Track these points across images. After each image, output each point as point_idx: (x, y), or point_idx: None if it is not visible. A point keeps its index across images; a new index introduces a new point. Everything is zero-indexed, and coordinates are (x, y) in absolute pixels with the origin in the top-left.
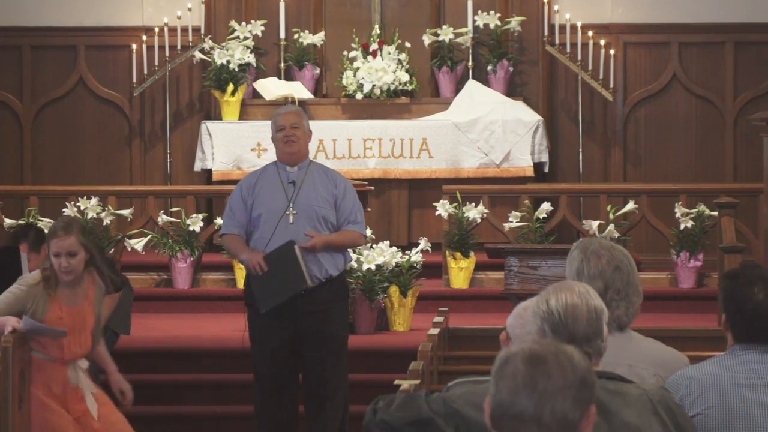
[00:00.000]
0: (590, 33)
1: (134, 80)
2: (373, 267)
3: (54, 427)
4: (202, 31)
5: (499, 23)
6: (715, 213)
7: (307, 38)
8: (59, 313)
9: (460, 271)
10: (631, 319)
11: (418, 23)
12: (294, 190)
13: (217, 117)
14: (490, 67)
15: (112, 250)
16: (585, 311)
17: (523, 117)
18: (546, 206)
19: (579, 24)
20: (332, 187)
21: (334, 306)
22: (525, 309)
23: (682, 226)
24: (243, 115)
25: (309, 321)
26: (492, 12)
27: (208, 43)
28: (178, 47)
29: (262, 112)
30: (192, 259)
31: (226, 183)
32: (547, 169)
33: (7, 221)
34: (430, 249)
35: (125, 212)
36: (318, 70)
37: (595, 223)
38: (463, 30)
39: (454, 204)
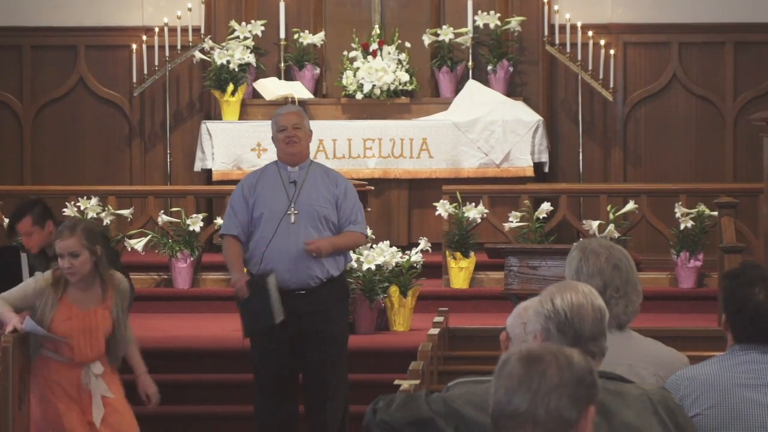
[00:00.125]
0: (590, 33)
1: (134, 80)
2: (373, 267)
3: (54, 422)
4: (202, 31)
5: (499, 23)
6: (715, 213)
7: (307, 38)
8: (68, 315)
9: (460, 271)
10: (631, 318)
11: (418, 23)
12: (295, 190)
13: (217, 117)
14: (490, 67)
15: None
16: (591, 310)
17: (523, 117)
18: (546, 206)
19: (579, 24)
20: (333, 187)
21: (334, 306)
22: (525, 309)
23: (682, 226)
24: (243, 115)
25: (309, 321)
26: (492, 12)
27: (208, 43)
28: (178, 47)
29: (262, 112)
30: (192, 259)
31: (226, 183)
32: (547, 169)
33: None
34: (430, 249)
35: (125, 212)
36: (318, 70)
37: (595, 223)
38: (463, 30)
39: (454, 204)
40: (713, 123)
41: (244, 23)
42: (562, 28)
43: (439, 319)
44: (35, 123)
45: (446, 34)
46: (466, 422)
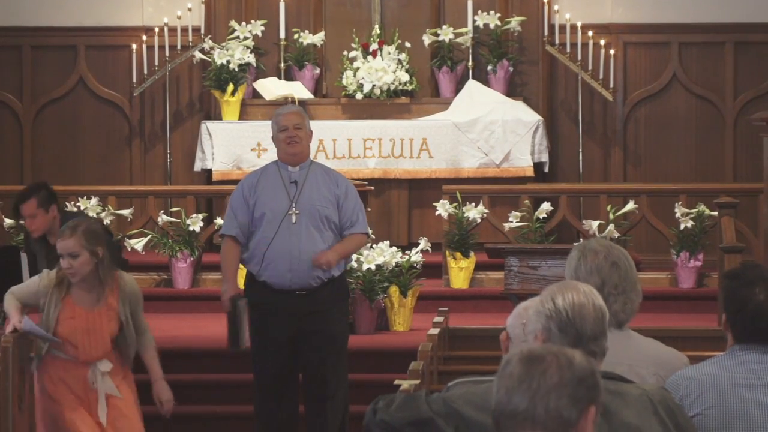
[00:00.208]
0: (590, 33)
1: (134, 80)
2: (373, 267)
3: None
4: (202, 31)
5: (499, 23)
6: (715, 213)
7: (307, 38)
8: (71, 314)
9: (460, 271)
10: (629, 317)
11: (418, 23)
12: (296, 190)
13: (217, 117)
14: (490, 67)
15: None
16: (592, 310)
17: (523, 117)
18: (546, 206)
19: (579, 24)
20: (334, 186)
21: (334, 306)
22: (525, 309)
23: (682, 226)
24: (243, 115)
25: (310, 321)
26: (492, 12)
27: (208, 43)
28: (178, 47)
29: (262, 112)
30: (192, 259)
31: (226, 183)
32: (547, 169)
33: (7, 221)
34: (430, 249)
35: (125, 212)
36: (318, 70)
37: (595, 223)
38: (463, 30)
39: (454, 204)
40: (713, 123)
41: (244, 23)
42: (562, 28)
43: (439, 319)
44: (35, 123)
45: (446, 34)
46: (466, 422)
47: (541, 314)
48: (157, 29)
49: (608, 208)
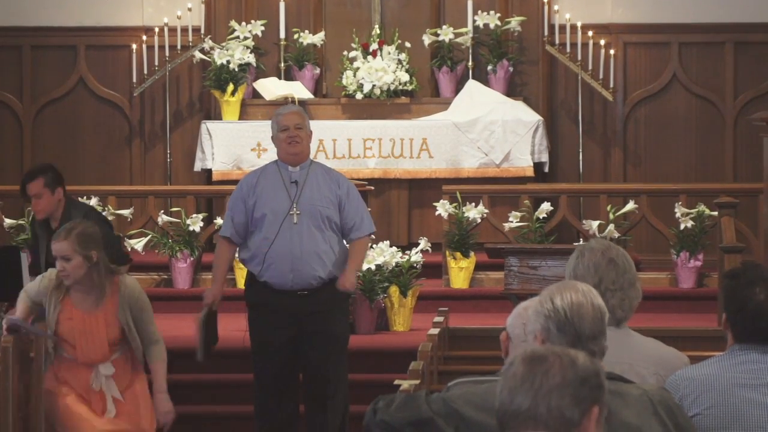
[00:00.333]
0: (590, 33)
1: (134, 80)
2: (373, 267)
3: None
4: (202, 31)
5: (499, 23)
6: (715, 213)
7: (307, 38)
8: (69, 315)
9: (460, 271)
10: (628, 315)
11: (418, 23)
12: (297, 190)
13: (217, 117)
14: (490, 67)
15: None
16: (590, 310)
17: (523, 117)
18: (546, 206)
19: (579, 24)
20: (335, 187)
21: (335, 306)
22: (525, 309)
23: (682, 226)
24: (243, 115)
25: (311, 321)
26: (492, 12)
27: (208, 43)
28: (178, 47)
29: (262, 112)
30: (192, 259)
31: (226, 183)
32: (547, 169)
33: (7, 221)
34: (430, 249)
35: (125, 212)
36: (318, 70)
37: (595, 223)
38: (463, 30)
39: (454, 204)
40: (713, 123)
41: (244, 23)
42: (562, 28)
43: (439, 319)
44: (35, 123)
45: (446, 34)
46: (466, 422)
47: (540, 314)
48: (157, 29)
49: (608, 208)
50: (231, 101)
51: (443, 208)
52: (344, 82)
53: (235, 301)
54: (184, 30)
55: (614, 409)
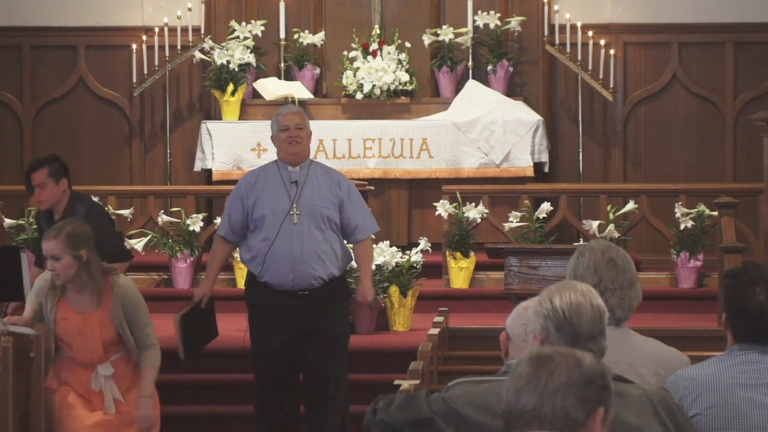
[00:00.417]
0: (590, 33)
1: (134, 80)
2: (373, 267)
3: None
4: (202, 31)
5: (499, 23)
6: (715, 213)
7: (307, 38)
8: (64, 315)
9: (460, 271)
10: (627, 314)
11: (418, 23)
12: (297, 190)
13: (217, 117)
14: (490, 67)
15: None
16: (589, 309)
17: (523, 117)
18: (546, 206)
19: (579, 24)
20: (336, 188)
21: (335, 306)
22: (525, 309)
23: (682, 226)
24: (243, 115)
25: (311, 321)
26: (492, 12)
27: (208, 43)
28: (178, 47)
29: (262, 112)
30: (192, 259)
31: (226, 183)
32: (547, 169)
33: (7, 221)
34: (430, 249)
35: (125, 212)
36: (318, 70)
37: (595, 223)
38: (463, 30)
39: (454, 204)
40: (713, 123)
41: (244, 23)
42: (562, 28)
43: (439, 319)
44: (35, 123)
45: (446, 34)
46: (466, 422)
47: (539, 314)
48: (157, 29)
49: (608, 208)
50: (231, 101)
51: (443, 208)
52: (344, 82)
53: (235, 301)
54: (184, 30)
55: (614, 409)
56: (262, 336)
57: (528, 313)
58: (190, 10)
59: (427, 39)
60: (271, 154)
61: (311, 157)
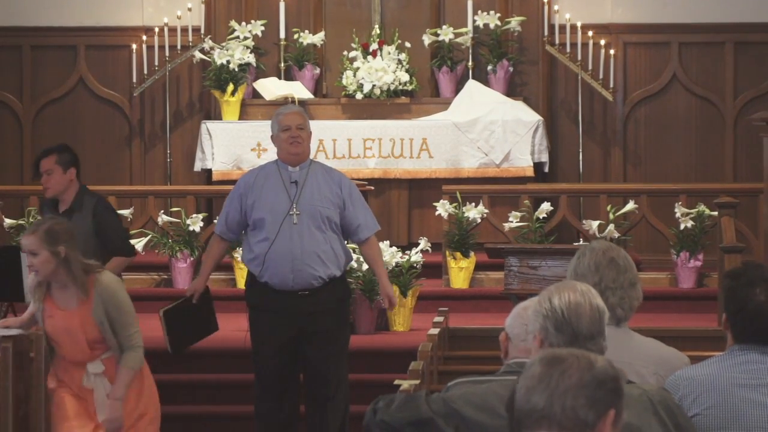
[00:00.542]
0: (590, 33)
1: (134, 80)
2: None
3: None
4: (202, 31)
5: (499, 23)
6: (715, 213)
7: (307, 38)
8: (50, 313)
9: (460, 271)
10: (628, 314)
11: (418, 23)
12: (297, 190)
13: (217, 117)
14: (490, 67)
15: None
16: (588, 309)
17: (523, 117)
18: (546, 206)
19: (579, 24)
20: (337, 188)
21: (336, 306)
22: (525, 309)
23: (682, 226)
24: (243, 115)
25: (311, 321)
26: (492, 12)
27: (208, 43)
28: (178, 47)
29: (262, 112)
30: (192, 259)
31: (226, 183)
32: (547, 169)
33: (7, 221)
34: (430, 249)
35: (125, 212)
36: (318, 70)
37: (595, 223)
38: (463, 30)
39: (454, 204)
40: (713, 123)
41: (244, 23)
42: (562, 28)
43: (439, 319)
44: (35, 123)
45: (446, 34)
46: (466, 422)
47: (539, 314)
48: (157, 29)
49: (608, 208)
50: (231, 101)
51: (443, 208)
52: (344, 82)
53: (235, 301)
54: (184, 30)
55: None
56: (263, 336)
57: (528, 313)
58: (190, 10)
59: (427, 39)
60: (271, 154)
61: (311, 157)
